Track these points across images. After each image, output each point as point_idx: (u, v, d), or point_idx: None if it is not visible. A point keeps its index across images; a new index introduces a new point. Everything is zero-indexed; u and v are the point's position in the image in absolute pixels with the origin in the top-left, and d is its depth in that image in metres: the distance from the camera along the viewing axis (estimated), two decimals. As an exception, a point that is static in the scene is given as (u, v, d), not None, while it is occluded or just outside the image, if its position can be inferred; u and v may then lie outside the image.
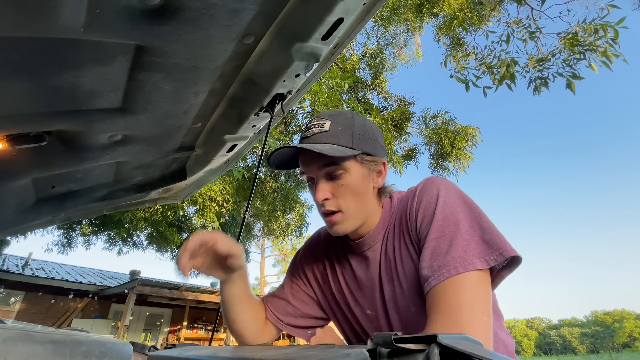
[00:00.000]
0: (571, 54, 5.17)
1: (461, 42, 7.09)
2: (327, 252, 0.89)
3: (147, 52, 0.83)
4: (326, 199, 0.71)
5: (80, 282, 9.91)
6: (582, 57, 5.06)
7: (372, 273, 0.77)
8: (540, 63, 5.54)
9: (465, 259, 0.57)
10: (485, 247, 0.59)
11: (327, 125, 0.73)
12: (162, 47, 0.82)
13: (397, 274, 0.71)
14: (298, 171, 0.78)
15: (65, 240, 8.89)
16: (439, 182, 0.72)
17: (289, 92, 1.16)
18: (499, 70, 5.49)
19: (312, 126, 0.75)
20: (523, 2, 5.82)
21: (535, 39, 5.92)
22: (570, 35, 5.22)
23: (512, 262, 0.59)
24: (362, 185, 0.73)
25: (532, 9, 6.14)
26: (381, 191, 0.79)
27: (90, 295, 10.28)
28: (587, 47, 4.98)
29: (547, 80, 5.47)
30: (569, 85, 5.00)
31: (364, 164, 0.74)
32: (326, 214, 0.73)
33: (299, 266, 0.94)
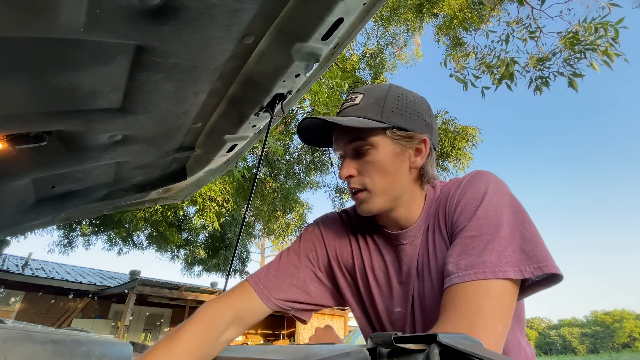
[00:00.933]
0: (572, 53, 5.17)
1: (461, 42, 7.09)
2: (355, 240, 0.79)
3: (147, 52, 0.83)
4: (350, 176, 0.67)
5: (80, 282, 9.92)
6: (582, 56, 5.06)
7: (410, 268, 0.70)
8: (541, 62, 5.54)
9: (497, 265, 0.53)
10: (523, 257, 0.54)
11: (358, 98, 0.69)
12: (162, 47, 0.82)
13: (430, 269, 0.66)
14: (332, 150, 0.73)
15: (66, 240, 8.90)
16: (489, 179, 0.65)
17: (289, 92, 1.16)
18: (499, 69, 5.49)
19: (346, 101, 0.71)
20: (524, 2, 5.83)
21: (536, 39, 5.92)
22: (570, 35, 5.22)
23: (551, 278, 0.55)
24: (393, 164, 0.67)
25: (533, 8, 6.14)
26: (423, 175, 0.71)
27: (90, 295, 10.29)
28: (588, 47, 4.98)
29: (548, 79, 5.47)
30: (570, 84, 4.99)
31: (395, 140, 0.67)
32: (353, 192, 0.69)
33: (318, 248, 0.80)
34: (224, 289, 1.38)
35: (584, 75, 4.93)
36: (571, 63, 5.17)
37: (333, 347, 0.39)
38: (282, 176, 8.82)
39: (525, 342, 0.70)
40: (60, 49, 0.74)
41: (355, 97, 0.70)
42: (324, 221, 0.85)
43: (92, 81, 0.87)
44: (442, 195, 0.70)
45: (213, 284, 11.75)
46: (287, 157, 8.58)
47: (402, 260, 0.71)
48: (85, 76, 0.85)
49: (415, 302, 0.67)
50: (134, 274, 10.30)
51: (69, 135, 1.10)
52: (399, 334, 0.27)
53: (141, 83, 0.94)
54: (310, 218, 9.74)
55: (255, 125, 1.32)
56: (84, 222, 8.55)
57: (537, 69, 5.59)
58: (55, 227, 8.09)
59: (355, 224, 0.81)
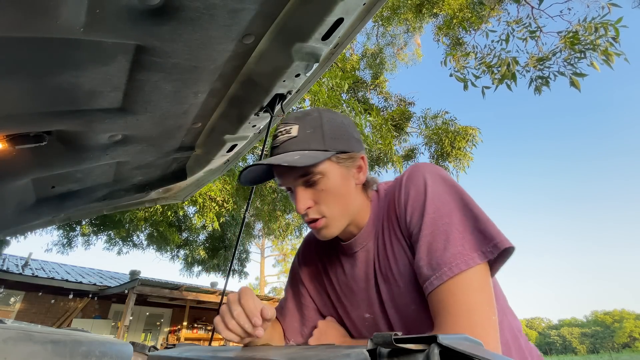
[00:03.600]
0: (572, 52, 5.17)
1: (461, 41, 7.10)
2: (320, 258, 0.86)
3: (147, 52, 0.83)
4: (308, 208, 0.68)
5: (80, 282, 9.91)
6: (583, 55, 5.06)
7: (367, 273, 0.72)
8: (541, 62, 5.54)
9: (464, 254, 0.55)
10: (481, 237, 0.56)
11: (294, 130, 0.69)
12: (162, 47, 0.82)
13: (392, 272, 0.67)
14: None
15: (66, 240, 8.90)
16: (425, 170, 0.68)
17: (289, 92, 1.16)
18: (499, 69, 5.49)
19: (279, 133, 0.71)
20: (522, 1, 5.82)
21: (536, 38, 5.92)
22: (570, 34, 5.22)
23: (505, 252, 0.56)
24: (344, 187, 0.69)
25: (532, 7, 6.14)
26: (366, 186, 0.75)
27: (90, 295, 10.28)
28: (588, 46, 4.98)
29: (548, 79, 5.47)
30: (572, 83, 4.99)
31: (340, 163, 0.70)
32: (310, 222, 0.70)
33: (297, 277, 0.90)
34: (224, 290, 1.38)
35: (587, 74, 4.93)
36: (572, 62, 5.17)
37: (332, 348, 0.39)
38: (282, 176, 8.80)
39: (510, 314, 0.71)
40: (60, 49, 0.74)
41: (290, 128, 0.69)
42: (299, 253, 0.93)
43: (92, 81, 0.87)
44: (388, 197, 0.73)
45: (213, 284, 11.75)
46: (287, 157, 8.56)
47: (357, 266, 0.74)
48: (85, 76, 0.85)
49: (387, 305, 0.68)
50: (134, 274, 10.30)
51: (69, 135, 1.10)
52: (399, 334, 0.27)
53: (141, 83, 0.94)
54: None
55: (255, 125, 1.32)
56: (83, 222, 8.55)
57: (538, 68, 5.59)
58: (55, 227, 8.10)
59: (320, 243, 0.86)
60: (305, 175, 0.67)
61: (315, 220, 0.68)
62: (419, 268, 0.59)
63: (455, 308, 0.52)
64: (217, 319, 0.62)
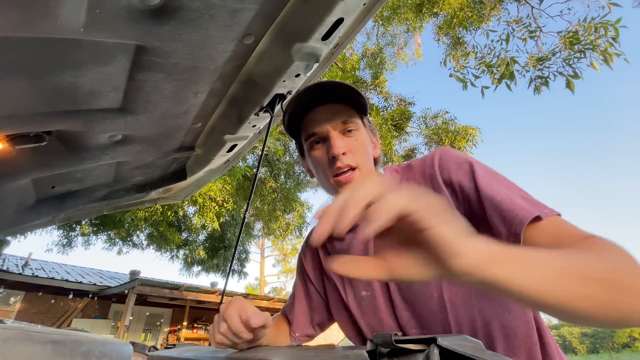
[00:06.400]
0: (571, 52, 5.18)
1: (461, 41, 7.10)
2: (321, 249, 0.84)
3: (147, 52, 0.83)
4: (344, 153, 0.68)
5: (80, 282, 9.92)
6: (582, 55, 5.07)
7: (365, 246, 0.70)
8: (541, 62, 5.54)
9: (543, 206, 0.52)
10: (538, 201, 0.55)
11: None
12: (162, 47, 0.82)
13: None
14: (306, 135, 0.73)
15: (65, 240, 8.90)
16: (454, 151, 0.68)
17: (289, 92, 1.16)
18: (499, 69, 5.50)
19: (321, 83, 0.71)
20: (522, 1, 5.83)
21: (536, 38, 5.93)
22: (570, 34, 5.22)
23: None
24: (369, 148, 0.73)
25: (532, 7, 6.14)
26: (376, 163, 0.78)
27: (90, 295, 10.28)
28: (588, 46, 4.98)
29: (548, 79, 5.48)
30: (568, 85, 5.01)
31: (367, 127, 0.75)
32: (339, 174, 0.68)
33: (301, 268, 0.90)
34: (224, 290, 1.38)
35: (582, 77, 4.94)
36: (571, 63, 5.18)
37: (332, 349, 0.39)
38: (282, 176, 8.82)
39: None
40: (60, 49, 0.74)
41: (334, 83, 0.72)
42: (304, 243, 0.93)
43: (92, 81, 0.87)
44: (412, 174, 0.71)
45: (213, 284, 11.76)
46: (287, 157, 8.58)
47: (355, 243, 0.73)
48: (85, 76, 0.85)
49: (391, 286, 0.66)
50: (134, 274, 10.30)
51: (69, 135, 1.10)
52: (399, 334, 0.27)
53: (141, 83, 0.94)
54: (311, 218, 9.71)
55: (255, 125, 1.32)
56: (83, 222, 8.55)
57: (537, 68, 5.59)
58: (55, 227, 8.10)
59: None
60: (345, 122, 0.70)
61: (347, 171, 0.67)
62: (504, 212, 0.52)
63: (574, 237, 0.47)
64: (210, 333, 0.61)
